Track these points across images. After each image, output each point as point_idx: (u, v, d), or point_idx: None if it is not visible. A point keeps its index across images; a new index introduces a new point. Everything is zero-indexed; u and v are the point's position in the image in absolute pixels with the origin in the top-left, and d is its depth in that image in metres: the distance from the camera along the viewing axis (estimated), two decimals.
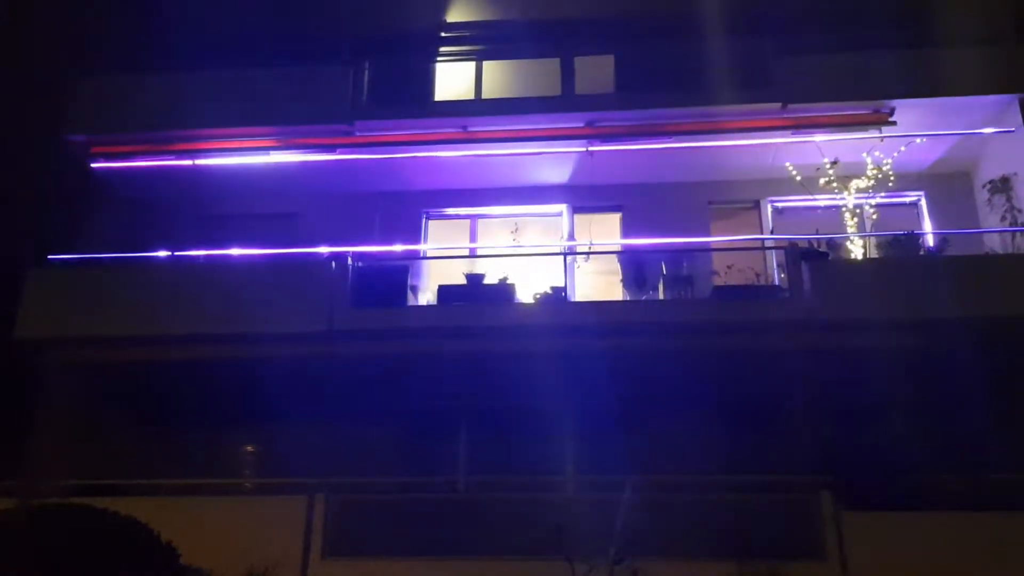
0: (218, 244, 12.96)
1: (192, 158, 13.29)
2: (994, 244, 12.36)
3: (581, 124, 12.93)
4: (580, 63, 13.50)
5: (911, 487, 9.88)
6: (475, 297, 11.95)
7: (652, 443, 11.28)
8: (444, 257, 13.71)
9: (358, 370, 11.84)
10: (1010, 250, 12.03)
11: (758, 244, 13.44)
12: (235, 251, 12.85)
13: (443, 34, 14.49)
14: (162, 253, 12.79)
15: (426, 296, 12.93)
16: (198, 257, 12.85)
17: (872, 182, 12.50)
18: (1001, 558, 9.14)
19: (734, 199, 13.79)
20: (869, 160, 12.57)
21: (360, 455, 11.95)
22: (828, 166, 12.53)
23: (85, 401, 12.22)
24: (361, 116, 13.10)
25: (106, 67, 13.64)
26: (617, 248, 13.50)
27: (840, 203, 12.57)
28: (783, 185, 13.18)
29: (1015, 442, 10.77)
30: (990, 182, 12.60)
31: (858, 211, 12.50)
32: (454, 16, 14.45)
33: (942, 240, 12.23)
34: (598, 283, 13.17)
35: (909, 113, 12.39)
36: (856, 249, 12.14)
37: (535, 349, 11.27)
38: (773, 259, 12.99)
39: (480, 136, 13.05)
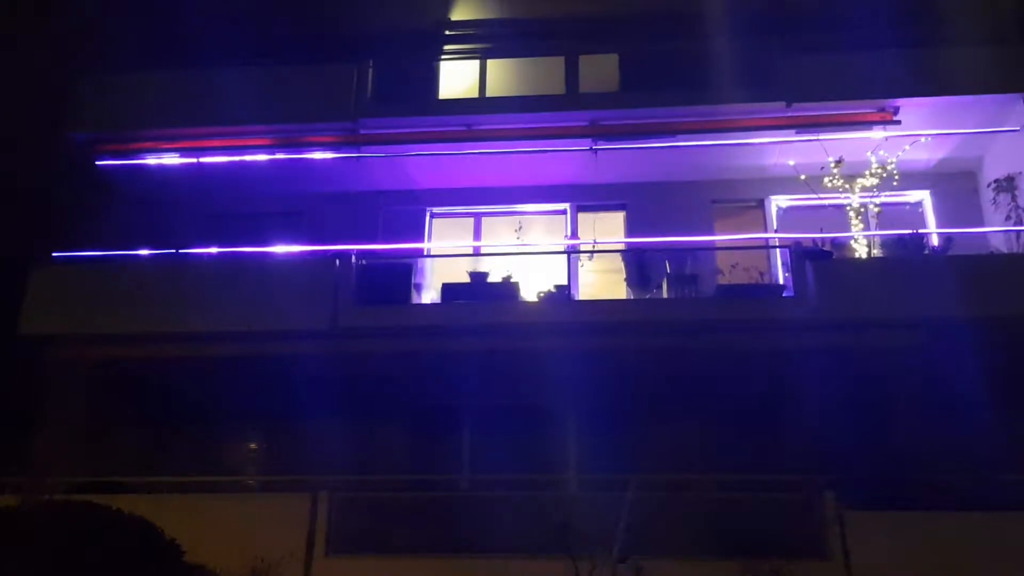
0: (222, 242, 12.97)
1: (197, 156, 13.30)
2: (998, 244, 12.34)
3: (585, 123, 12.92)
4: (584, 62, 13.51)
5: (914, 486, 9.87)
6: (479, 295, 11.95)
7: (655, 441, 11.29)
8: (448, 255, 13.70)
9: (362, 368, 11.86)
10: (1014, 250, 12.02)
11: (762, 243, 13.42)
12: (239, 249, 12.86)
13: (447, 32, 14.50)
14: (166, 251, 12.79)
15: (430, 294, 12.94)
16: (202, 255, 12.86)
17: (876, 181, 12.47)
18: (1004, 558, 9.13)
19: (738, 198, 13.77)
20: (873, 159, 12.54)
21: (364, 453, 11.96)
22: (832, 165, 12.51)
23: (89, 398, 12.24)
24: (365, 114, 13.10)
25: (111, 65, 13.65)
26: (621, 247, 13.48)
27: (844, 202, 12.54)
28: (787, 184, 13.16)
29: (1018, 442, 10.76)
30: (995, 181, 12.58)
31: (862, 210, 12.47)
32: (458, 14, 14.46)
33: (946, 239, 12.22)
34: (602, 282, 13.16)
35: (913, 112, 12.36)
36: (860, 248, 12.12)
37: (539, 347, 11.27)
38: (777, 258, 12.97)
39: (484, 134, 13.04)
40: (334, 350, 11.72)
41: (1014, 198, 12.26)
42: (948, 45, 12.55)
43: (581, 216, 13.89)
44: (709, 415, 11.72)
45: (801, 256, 11.64)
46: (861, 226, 12.36)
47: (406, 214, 13.85)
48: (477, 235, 14.00)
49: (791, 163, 12.86)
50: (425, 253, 13.66)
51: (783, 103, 12.52)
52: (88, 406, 12.22)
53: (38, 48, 14.06)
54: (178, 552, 8.35)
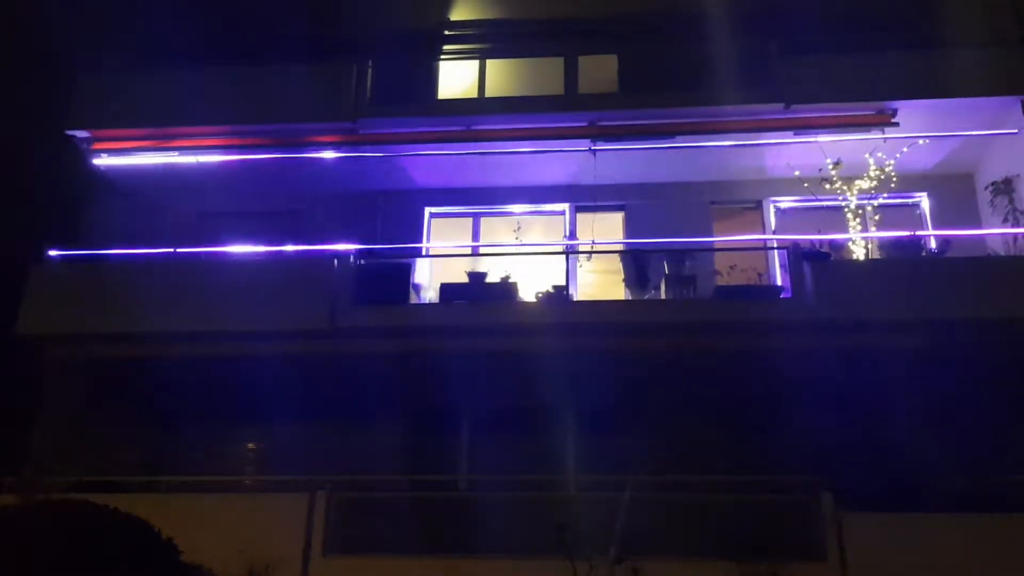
0: (221, 241, 12.96)
1: (195, 154, 13.29)
2: (996, 246, 12.37)
3: (584, 123, 12.93)
4: (584, 62, 13.49)
5: (912, 488, 9.86)
6: (477, 295, 11.96)
7: (653, 442, 11.29)
8: (446, 255, 13.71)
9: (360, 368, 11.84)
10: (1012, 252, 12.03)
11: (760, 244, 13.44)
12: (238, 248, 12.85)
13: (447, 32, 14.49)
14: (164, 249, 12.78)
15: (428, 294, 12.94)
16: (200, 254, 12.86)
17: (875, 183, 12.49)
18: (1002, 560, 9.13)
19: (737, 199, 13.79)
20: (872, 161, 12.56)
21: (361, 453, 11.95)
22: (831, 167, 12.52)
23: (87, 397, 12.25)
24: (364, 114, 13.10)
25: (109, 63, 13.64)
26: (619, 247, 13.49)
27: (843, 204, 12.56)
28: (786, 185, 13.18)
29: (1016, 443, 10.79)
30: (992, 183, 12.60)
31: (860, 212, 12.49)
32: (458, 15, 14.46)
33: (944, 241, 12.24)
34: (600, 282, 13.17)
35: (912, 114, 12.38)
36: (858, 250, 12.13)
37: (537, 348, 11.28)
38: (775, 259, 12.99)
39: (483, 135, 13.04)
40: (332, 350, 11.73)
41: (1012, 200, 12.29)
42: (947, 48, 12.57)
43: (580, 217, 13.91)
44: (707, 416, 11.72)
45: (799, 257, 11.65)
46: (859, 228, 12.38)
47: (405, 214, 13.85)
48: (476, 235, 14.01)
49: (790, 165, 12.86)
50: (424, 253, 13.66)
51: (782, 105, 12.54)
52: (85, 405, 12.21)
53: (35, 46, 14.04)
54: (175, 552, 8.32)
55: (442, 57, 14.26)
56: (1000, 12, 12.97)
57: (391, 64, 13.72)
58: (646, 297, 12.17)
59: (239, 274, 12.13)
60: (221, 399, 12.23)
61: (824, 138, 12.58)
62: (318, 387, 12.03)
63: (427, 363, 11.75)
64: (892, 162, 12.51)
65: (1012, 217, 12.20)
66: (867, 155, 12.57)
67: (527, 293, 12.15)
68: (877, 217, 12.62)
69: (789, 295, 11.69)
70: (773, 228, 13.51)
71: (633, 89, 13.22)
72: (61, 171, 13.73)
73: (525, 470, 11.27)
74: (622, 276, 12.54)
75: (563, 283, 12.34)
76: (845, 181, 12.53)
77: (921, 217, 13.39)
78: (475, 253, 13.64)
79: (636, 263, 12.43)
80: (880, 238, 12.22)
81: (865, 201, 12.53)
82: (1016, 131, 12.30)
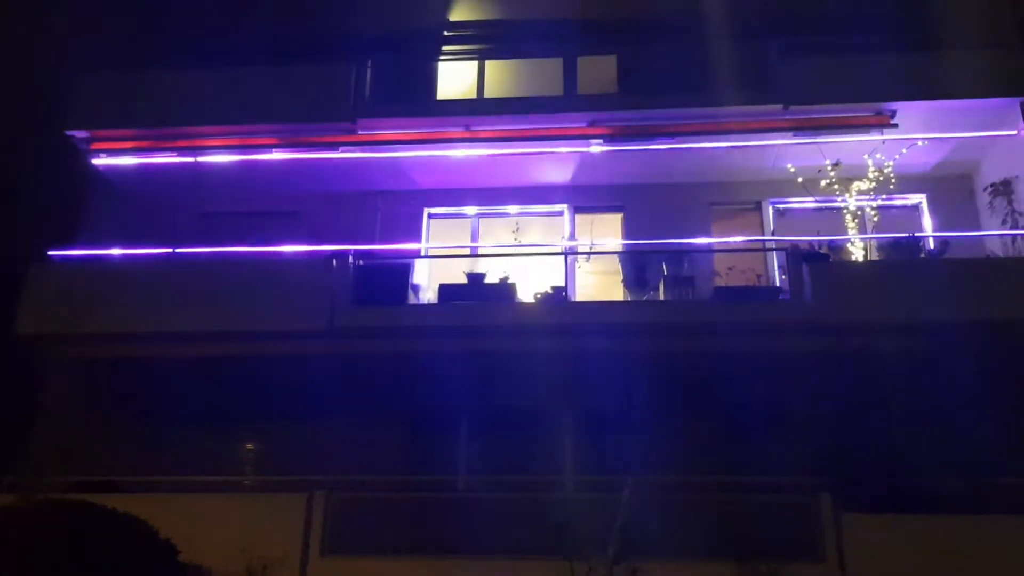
0: (220, 241, 12.95)
1: (194, 155, 13.28)
2: (995, 247, 12.37)
3: (583, 124, 12.94)
4: (583, 63, 13.51)
5: (911, 490, 9.87)
6: (476, 296, 11.96)
7: (652, 443, 11.28)
8: (445, 256, 13.71)
9: (358, 368, 11.86)
10: (1011, 253, 12.05)
11: (759, 245, 13.45)
12: (236, 248, 12.85)
13: (446, 33, 14.49)
14: (163, 250, 12.78)
15: (427, 295, 12.94)
16: (199, 254, 12.85)
17: (873, 184, 12.50)
18: (1000, 562, 9.14)
19: (736, 200, 13.79)
20: (870, 162, 12.56)
21: (360, 453, 11.94)
22: (829, 168, 12.53)
23: (85, 397, 12.24)
24: (364, 114, 13.10)
25: (108, 63, 13.63)
26: (618, 248, 13.48)
27: (841, 205, 12.57)
28: (785, 187, 13.18)
29: (1014, 445, 10.78)
30: (991, 185, 12.61)
31: (859, 213, 12.50)
32: (457, 15, 14.46)
33: (943, 243, 12.24)
34: (599, 283, 13.18)
35: (911, 116, 12.39)
36: (857, 251, 12.14)
37: (535, 348, 11.30)
38: (774, 260, 12.99)
39: (482, 135, 13.05)
40: (331, 350, 11.74)
41: (1010, 202, 12.30)
42: (946, 49, 12.57)
43: (579, 217, 13.91)
44: (705, 417, 11.73)
45: (798, 259, 11.66)
46: (858, 229, 12.39)
47: (404, 214, 13.85)
48: (475, 236, 14.00)
49: (789, 166, 12.87)
50: (422, 254, 13.66)
51: (781, 106, 12.56)
52: (84, 405, 12.20)
53: (35, 46, 14.04)
54: (173, 551, 8.34)
55: (441, 57, 14.26)
56: (999, 14, 12.96)
57: (391, 64, 13.74)
58: (645, 298, 12.17)
59: (238, 274, 12.11)
60: (220, 399, 12.21)
61: (823, 139, 12.59)
62: (317, 387, 12.01)
63: (425, 363, 11.75)
64: (891, 163, 12.52)
65: (1011, 219, 12.20)
66: (866, 156, 12.58)
67: (526, 294, 12.15)
68: (876, 218, 12.62)
69: (788, 296, 11.69)
70: (772, 229, 13.51)
71: (632, 90, 13.25)
72: (60, 171, 13.72)
73: (523, 470, 11.28)
74: (621, 277, 12.55)
75: (562, 284, 12.33)
76: (844, 182, 12.54)
77: (920, 219, 13.39)
78: (474, 254, 13.63)
79: (635, 264, 12.43)
80: (879, 239, 12.22)
81: (864, 202, 12.53)
82: (1015, 132, 12.32)
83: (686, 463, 10.97)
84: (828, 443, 10.90)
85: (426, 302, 12.74)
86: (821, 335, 11.08)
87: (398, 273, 12.34)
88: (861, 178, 12.53)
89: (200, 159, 13.29)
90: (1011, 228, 12.14)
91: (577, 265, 13.17)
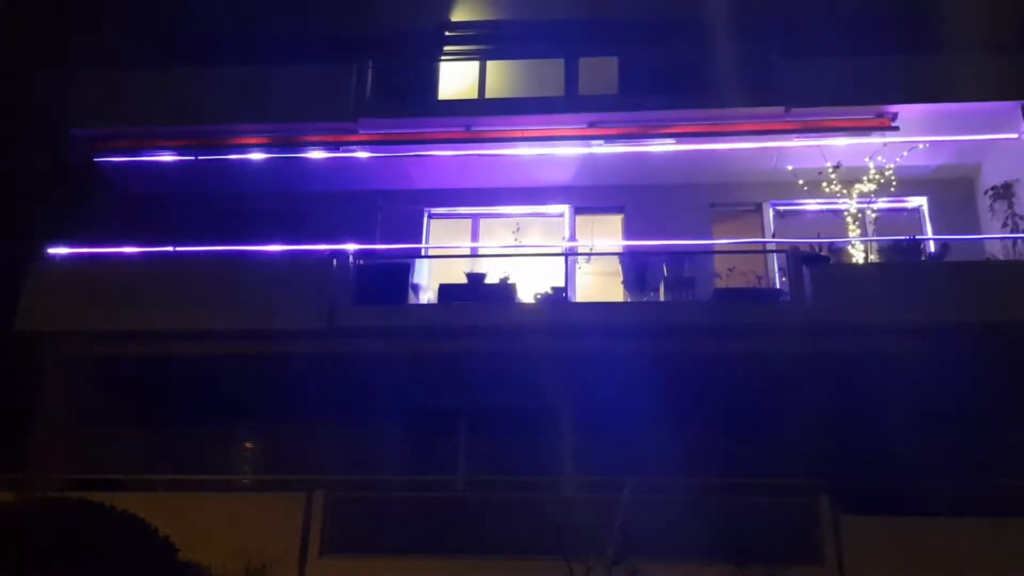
0: (220, 240, 12.93)
1: (195, 154, 13.29)
2: (995, 250, 12.36)
3: (584, 125, 12.94)
4: (584, 64, 13.49)
5: (909, 491, 9.89)
6: (476, 296, 11.95)
7: (651, 444, 11.27)
8: (445, 256, 13.70)
9: (358, 368, 11.84)
10: (1011, 256, 12.04)
11: (760, 247, 13.45)
12: (237, 247, 12.84)
13: (447, 33, 14.49)
14: (162, 248, 12.77)
15: (427, 295, 12.93)
16: (199, 252, 12.84)
17: (874, 187, 12.50)
18: (999, 563, 9.14)
19: (736, 202, 13.78)
20: (871, 164, 12.56)
21: (359, 453, 11.94)
22: (830, 170, 12.53)
23: (85, 395, 12.23)
24: (365, 114, 13.09)
25: (110, 62, 13.64)
26: (618, 249, 13.47)
27: (842, 207, 12.57)
28: (785, 188, 13.16)
29: (1014, 447, 10.79)
30: (992, 188, 12.60)
31: (860, 215, 12.50)
32: (459, 15, 14.46)
33: (943, 246, 12.23)
34: (599, 284, 13.16)
35: (912, 118, 12.39)
36: (858, 254, 12.14)
37: (535, 349, 11.29)
38: (775, 262, 12.99)
39: (483, 136, 13.04)
40: (331, 350, 11.72)
41: (1011, 205, 12.29)
42: (947, 52, 12.59)
43: (579, 218, 13.90)
44: (705, 418, 11.72)
45: (798, 261, 11.64)
46: (858, 231, 12.38)
47: (404, 214, 13.84)
48: (475, 236, 14.00)
49: (789, 168, 12.87)
50: (423, 254, 13.65)
51: (781, 107, 12.56)
52: (83, 403, 12.19)
53: (37, 44, 14.04)
54: (172, 550, 8.34)
55: (442, 58, 14.25)
56: (1000, 17, 12.96)
57: (392, 64, 13.74)
58: (645, 299, 12.17)
59: (238, 273, 12.10)
60: (219, 397, 12.22)
61: (824, 141, 12.59)
62: (316, 387, 12.02)
63: (425, 363, 11.76)
64: (892, 166, 12.52)
65: (1011, 222, 12.20)
66: (867, 159, 12.57)
67: (526, 294, 12.14)
68: (876, 220, 12.62)
69: (788, 298, 11.69)
70: (772, 231, 13.51)
71: (633, 91, 13.23)
72: (60, 169, 13.72)
73: (523, 471, 11.28)
74: (621, 278, 12.54)
75: (562, 285, 12.34)
76: (845, 184, 12.54)
77: (920, 221, 13.39)
78: (474, 254, 13.63)
79: (635, 265, 12.42)
80: (880, 242, 12.22)
81: (865, 205, 12.53)
82: (1016, 136, 12.33)
83: (686, 464, 10.97)
84: (827, 445, 10.91)
85: (426, 302, 12.73)
86: (821, 337, 11.07)
87: (398, 273, 12.33)
88: (862, 180, 12.52)
89: (201, 158, 13.29)
90: (1012, 231, 12.13)
91: (577, 266, 13.16)
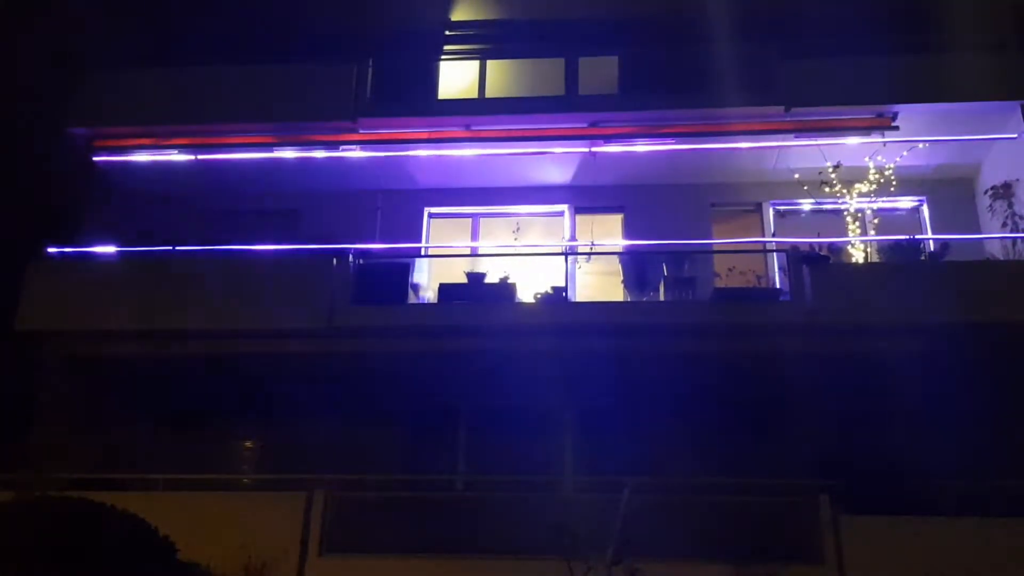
0: (220, 239, 12.93)
1: (195, 153, 13.30)
2: (995, 250, 12.37)
3: (584, 124, 12.94)
4: (584, 64, 13.49)
5: (910, 492, 9.89)
6: (476, 296, 11.95)
7: (651, 444, 11.29)
8: (445, 256, 13.70)
9: (358, 367, 11.85)
10: (1011, 256, 12.04)
11: (759, 247, 13.45)
12: (236, 247, 12.84)
13: (448, 33, 14.50)
14: (162, 247, 12.76)
15: (427, 294, 12.93)
16: (199, 252, 12.83)
17: (874, 186, 12.50)
18: (999, 564, 9.13)
19: (736, 201, 13.78)
20: (871, 164, 12.57)
21: (359, 452, 11.95)
22: (830, 170, 12.53)
23: (84, 395, 12.22)
24: (365, 113, 13.10)
25: (110, 61, 13.63)
26: (618, 249, 13.47)
27: (842, 207, 12.57)
28: (785, 188, 13.18)
29: (1014, 448, 10.79)
30: (992, 188, 12.60)
31: (860, 215, 12.50)
32: (459, 15, 14.46)
33: (943, 245, 12.23)
34: (599, 284, 13.16)
35: (912, 118, 12.40)
36: (857, 253, 12.14)
37: (535, 348, 11.28)
38: (775, 262, 12.99)
39: (483, 135, 13.05)
40: (330, 349, 11.72)
41: (1011, 205, 12.29)
42: (947, 52, 12.58)
43: (579, 218, 13.90)
44: (705, 418, 11.72)
45: (798, 260, 11.65)
46: (858, 231, 12.38)
47: (404, 214, 13.84)
48: (475, 236, 14.00)
49: (790, 168, 12.86)
50: (423, 253, 13.65)
51: (782, 107, 12.57)
52: (83, 403, 12.19)
53: (37, 43, 14.02)
54: (172, 550, 8.33)
55: (443, 57, 14.25)
56: (1000, 16, 12.96)
57: (392, 64, 13.73)
58: (645, 299, 12.17)
59: (238, 273, 12.09)
60: (219, 397, 12.23)
61: (824, 141, 12.59)
62: (316, 386, 12.02)
63: (425, 363, 11.75)
64: (892, 166, 12.52)
65: (1011, 222, 12.20)
66: (867, 158, 12.58)
67: (526, 294, 12.14)
68: (876, 221, 12.62)
69: (788, 298, 11.69)
70: (772, 231, 13.51)
71: (633, 91, 13.24)
72: (60, 168, 13.71)
73: (523, 470, 11.28)
74: (621, 278, 12.54)
75: (562, 284, 12.33)
76: (845, 184, 12.54)
77: (920, 221, 13.39)
78: (474, 254, 13.63)
79: (635, 265, 12.43)
80: (879, 241, 12.22)
81: (864, 204, 12.53)
82: (1016, 136, 12.32)
83: (686, 464, 10.97)
84: (827, 444, 10.92)
85: (426, 301, 12.73)
86: (821, 337, 11.08)
87: (398, 272, 12.32)
88: (862, 180, 12.52)
89: (200, 157, 13.29)
90: (1011, 231, 12.14)
91: (577, 265, 13.15)
